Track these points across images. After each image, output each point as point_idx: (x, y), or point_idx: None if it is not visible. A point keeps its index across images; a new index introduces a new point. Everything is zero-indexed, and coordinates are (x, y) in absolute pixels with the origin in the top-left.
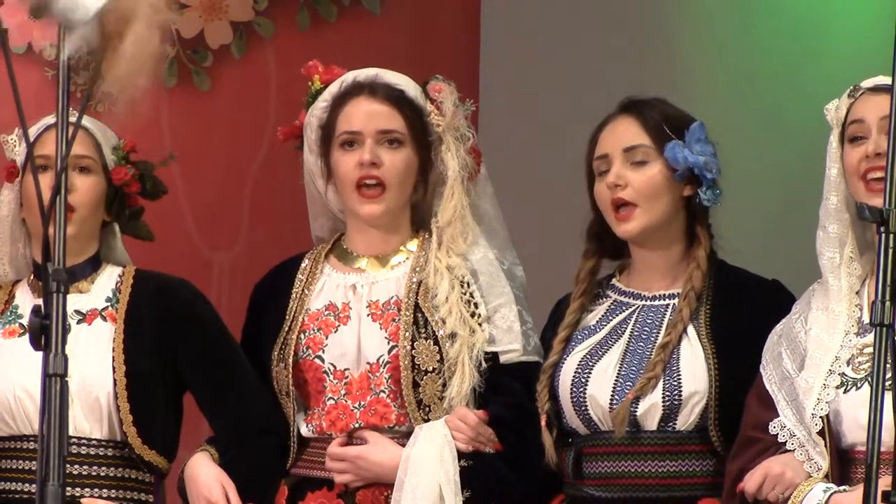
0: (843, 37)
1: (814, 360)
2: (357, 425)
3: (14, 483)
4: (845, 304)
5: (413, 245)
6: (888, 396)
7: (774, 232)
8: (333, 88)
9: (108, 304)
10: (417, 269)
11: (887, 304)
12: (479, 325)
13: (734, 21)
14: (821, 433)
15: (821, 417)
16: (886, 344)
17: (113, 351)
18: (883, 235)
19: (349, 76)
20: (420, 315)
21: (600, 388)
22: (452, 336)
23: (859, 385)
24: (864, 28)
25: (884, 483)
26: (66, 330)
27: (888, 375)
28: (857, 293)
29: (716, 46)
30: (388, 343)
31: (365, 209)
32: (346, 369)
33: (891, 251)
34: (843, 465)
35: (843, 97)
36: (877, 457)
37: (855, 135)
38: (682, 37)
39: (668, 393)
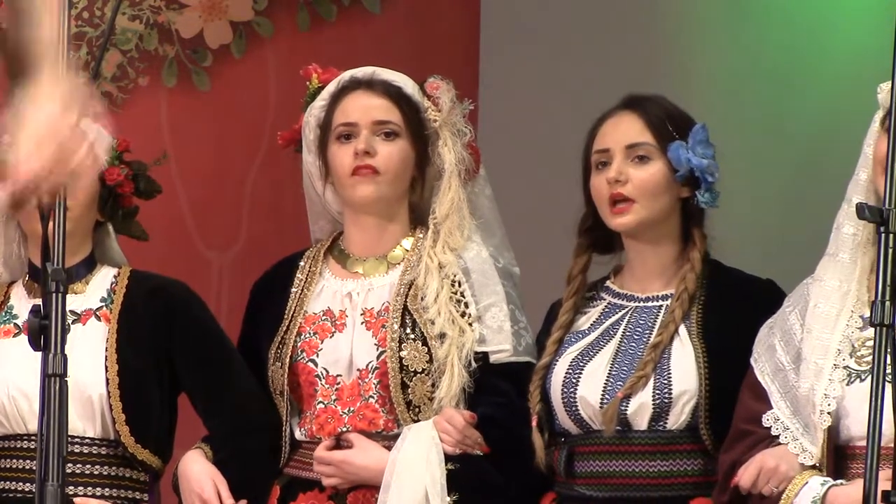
0: (843, 37)
1: (821, 340)
2: (345, 429)
3: (9, 482)
4: (855, 284)
5: (409, 243)
6: (888, 397)
7: (773, 232)
8: (331, 87)
9: (103, 304)
10: (409, 269)
11: (887, 303)
12: (470, 324)
13: (733, 21)
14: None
15: (833, 398)
16: (886, 344)
17: (106, 351)
18: (883, 235)
19: (346, 74)
20: (408, 317)
21: (591, 388)
22: (441, 336)
23: (863, 377)
24: (864, 28)
25: (884, 476)
26: (65, 330)
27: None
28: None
29: (715, 46)
30: (378, 349)
31: (359, 190)
32: (338, 375)
33: (891, 251)
34: (839, 459)
35: None
36: (876, 456)
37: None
38: (682, 36)
39: (657, 392)
